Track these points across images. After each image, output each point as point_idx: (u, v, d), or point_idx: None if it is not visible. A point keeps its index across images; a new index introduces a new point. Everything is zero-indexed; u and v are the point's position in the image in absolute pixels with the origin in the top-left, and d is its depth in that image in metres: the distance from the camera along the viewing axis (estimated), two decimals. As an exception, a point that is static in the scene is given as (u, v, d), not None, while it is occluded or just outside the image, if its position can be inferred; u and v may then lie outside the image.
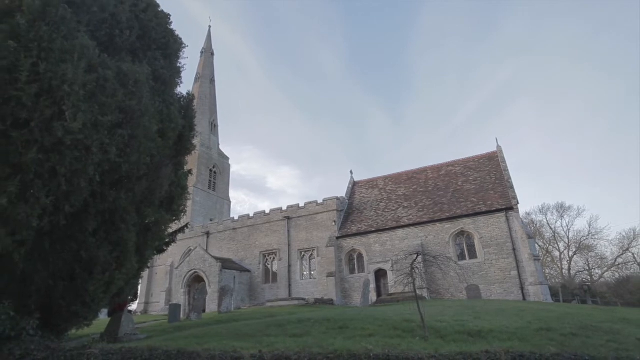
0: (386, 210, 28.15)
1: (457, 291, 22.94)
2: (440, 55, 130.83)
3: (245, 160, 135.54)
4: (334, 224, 28.23)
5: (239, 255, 31.06)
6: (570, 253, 52.14)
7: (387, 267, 25.36)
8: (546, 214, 54.42)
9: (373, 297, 24.11)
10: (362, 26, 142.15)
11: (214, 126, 44.39)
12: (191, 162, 40.09)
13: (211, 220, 35.49)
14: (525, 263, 21.78)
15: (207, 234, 33.18)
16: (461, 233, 24.16)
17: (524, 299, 21.27)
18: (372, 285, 25.51)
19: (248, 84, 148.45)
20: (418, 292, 23.89)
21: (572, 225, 54.67)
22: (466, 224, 23.96)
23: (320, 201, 29.45)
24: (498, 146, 28.52)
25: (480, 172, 27.54)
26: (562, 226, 53.53)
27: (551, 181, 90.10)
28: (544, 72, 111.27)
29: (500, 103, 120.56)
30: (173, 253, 31.56)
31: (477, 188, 26.04)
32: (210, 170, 41.39)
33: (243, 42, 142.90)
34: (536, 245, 26.76)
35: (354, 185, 33.17)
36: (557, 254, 53.74)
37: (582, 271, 51.52)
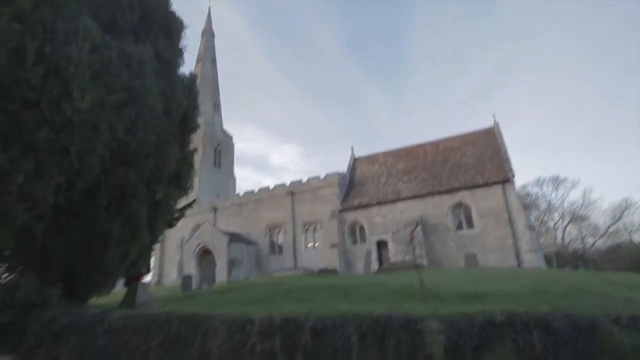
0: (386, 184, 28.25)
1: (455, 260, 23.27)
2: (440, 32, 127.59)
3: (248, 138, 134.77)
4: (336, 197, 28.42)
5: (245, 229, 31.47)
6: (564, 223, 52.63)
7: (388, 238, 25.69)
8: (542, 186, 54.43)
9: (375, 266, 24.55)
10: (361, 4, 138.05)
11: (216, 106, 43.99)
12: (196, 141, 39.79)
13: (218, 196, 35.76)
14: (520, 233, 22.00)
15: (215, 209, 33.52)
16: (459, 205, 24.31)
17: (519, 266, 21.61)
18: (374, 255, 25.96)
19: (249, 64, 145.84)
20: (417, 261, 24.27)
21: (567, 196, 54.75)
22: (464, 196, 24.07)
23: (322, 177, 29.56)
24: (495, 122, 28.29)
25: (477, 146, 27.42)
26: (557, 197, 53.54)
27: (548, 154, 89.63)
28: (543, 48, 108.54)
29: (499, 79, 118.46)
30: (182, 228, 31.85)
31: (475, 162, 26.00)
32: (215, 149, 41.32)
33: (243, 21, 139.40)
34: (531, 216, 26.92)
35: (355, 161, 33.16)
36: (551, 224, 54.22)
37: (575, 240, 52.15)
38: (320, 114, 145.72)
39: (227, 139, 43.84)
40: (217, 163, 41.21)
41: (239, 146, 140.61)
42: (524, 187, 55.33)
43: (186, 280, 17.41)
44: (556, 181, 53.41)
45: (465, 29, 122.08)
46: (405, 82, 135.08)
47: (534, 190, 55.42)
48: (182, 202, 13.07)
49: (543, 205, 54.50)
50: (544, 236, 54.89)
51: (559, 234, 52.95)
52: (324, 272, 23.74)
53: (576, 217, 51.17)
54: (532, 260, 21.13)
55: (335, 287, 9.80)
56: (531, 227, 21.82)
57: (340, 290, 9.15)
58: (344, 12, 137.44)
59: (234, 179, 42.95)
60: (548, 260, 29.64)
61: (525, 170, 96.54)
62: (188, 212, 35.09)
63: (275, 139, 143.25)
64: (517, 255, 21.97)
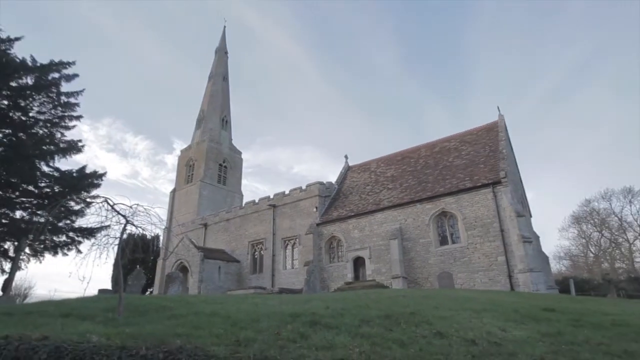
0: (370, 193, 25.41)
1: (436, 280, 19.68)
2: (502, 42, 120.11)
3: (306, 160, 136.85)
4: (315, 210, 26.18)
5: (230, 246, 30.34)
6: None
7: (365, 254, 22.75)
8: (611, 200, 46.38)
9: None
10: (415, 16, 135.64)
11: (225, 122, 44.40)
12: (198, 157, 40.60)
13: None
14: (514, 246, 17.92)
15: (205, 225, 33.00)
16: (443, 214, 20.75)
17: (512, 288, 17.49)
18: (350, 274, 23.11)
19: (305, 85, 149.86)
20: (393, 280, 21.07)
21: (645, 212, 45.75)
22: (448, 204, 20.51)
23: (304, 187, 27.60)
24: (500, 115, 24.32)
25: (475, 145, 23.64)
26: (631, 213, 44.99)
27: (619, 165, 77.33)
28: (620, 47, 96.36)
29: (571, 84, 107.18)
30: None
31: (467, 163, 22.30)
32: (220, 165, 41.35)
33: (296, 43, 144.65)
34: (527, 225, 22.09)
35: (348, 170, 30.71)
36: (627, 245, 45.77)
37: None
38: (382, 132, 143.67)
39: (235, 155, 43.82)
40: (221, 179, 41.16)
41: (298, 169, 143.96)
42: (588, 201, 47.81)
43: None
44: (629, 193, 45.33)
45: (529, 36, 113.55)
46: (466, 94, 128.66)
47: (602, 205, 47.40)
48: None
49: (613, 223, 46.40)
50: (618, 260, 46.72)
51: (638, 257, 44.50)
52: (286, 291, 21.60)
53: (658, 236, 42.65)
54: (526, 281, 16.93)
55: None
56: (526, 240, 17.56)
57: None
58: (399, 28, 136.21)
59: (240, 195, 42.50)
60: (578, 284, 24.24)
61: (594, 184, 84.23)
62: (182, 229, 34.83)
63: (335, 160, 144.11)
64: (510, 275, 17.84)
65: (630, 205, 44.62)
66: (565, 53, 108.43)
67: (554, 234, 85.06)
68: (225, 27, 50.56)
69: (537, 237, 24.13)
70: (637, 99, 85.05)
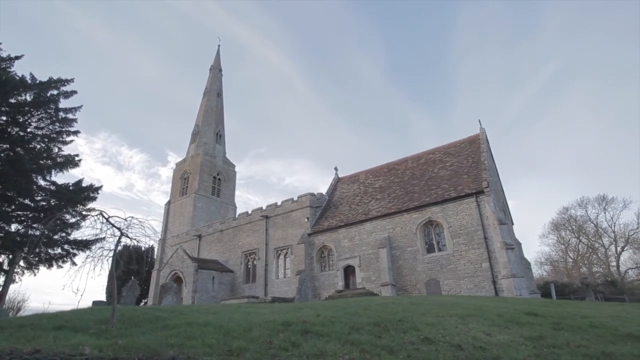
0: (359, 203, 25.43)
1: (424, 287, 19.63)
2: (484, 52, 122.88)
3: (298, 171, 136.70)
4: (306, 220, 26.06)
5: (224, 257, 29.94)
6: (618, 249, 44.80)
7: (355, 263, 22.63)
8: (586, 208, 47.22)
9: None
10: (399, 33, 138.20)
11: (219, 136, 44.32)
12: (193, 169, 40.31)
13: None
14: (497, 253, 18.02)
15: (199, 236, 32.57)
16: (429, 223, 20.81)
17: (496, 294, 17.52)
18: (341, 283, 22.93)
19: (296, 100, 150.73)
20: (383, 287, 20.94)
21: (618, 218, 46.64)
22: (434, 213, 20.60)
23: (295, 198, 27.50)
24: (481, 128, 24.69)
25: (458, 157, 23.91)
26: (606, 220, 45.83)
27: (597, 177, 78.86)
28: (600, 56, 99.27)
29: (552, 93, 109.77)
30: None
31: (452, 174, 22.50)
32: (214, 178, 41.07)
33: (285, 56, 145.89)
34: (509, 232, 22.45)
35: (338, 182, 30.74)
36: (603, 250, 46.48)
37: (633, 267, 44.00)
38: (370, 144, 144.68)
39: (229, 168, 43.60)
40: (215, 191, 40.82)
41: (289, 180, 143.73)
42: (565, 209, 48.59)
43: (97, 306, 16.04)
44: (603, 201, 46.20)
45: (510, 48, 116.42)
46: (450, 106, 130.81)
47: (579, 212, 48.19)
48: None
49: (589, 229, 47.17)
50: (595, 264, 47.33)
51: (613, 262, 45.15)
52: (278, 300, 21.28)
53: (631, 242, 43.40)
54: (510, 287, 16.98)
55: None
56: (508, 246, 17.69)
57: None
58: (385, 45, 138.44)
59: (234, 207, 42.14)
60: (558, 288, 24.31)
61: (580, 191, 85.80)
62: (176, 240, 34.32)
63: (325, 172, 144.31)
64: (494, 281, 17.88)
65: (605, 212, 45.49)
66: (544, 64, 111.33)
67: (535, 241, 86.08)
68: (219, 45, 50.81)
69: (519, 244, 24.35)
70: (613, 108, 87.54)
